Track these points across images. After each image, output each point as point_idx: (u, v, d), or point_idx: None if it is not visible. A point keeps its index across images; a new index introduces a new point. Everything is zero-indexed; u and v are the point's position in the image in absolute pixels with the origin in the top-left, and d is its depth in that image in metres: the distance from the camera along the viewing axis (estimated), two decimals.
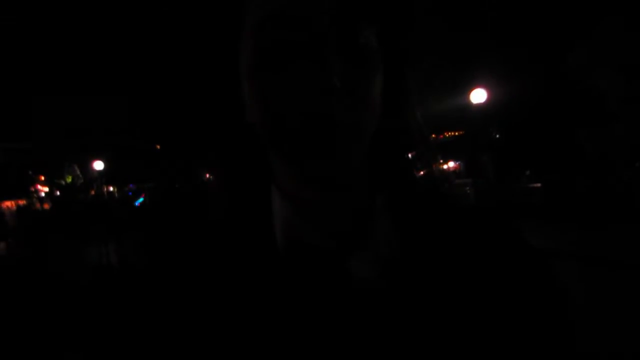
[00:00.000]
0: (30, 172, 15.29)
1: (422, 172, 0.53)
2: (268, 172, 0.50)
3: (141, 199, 13.24)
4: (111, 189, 15.13)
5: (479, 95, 10.79)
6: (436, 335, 0.41)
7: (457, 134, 12.87)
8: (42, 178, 14.66)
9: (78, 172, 13.17)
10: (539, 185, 9.71)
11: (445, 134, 12.67)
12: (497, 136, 11.52)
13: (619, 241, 4.21)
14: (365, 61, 0.43)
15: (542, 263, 0.48)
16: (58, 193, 13.51)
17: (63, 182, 12.12)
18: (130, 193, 15.38)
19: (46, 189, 13.45)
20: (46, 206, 13.94)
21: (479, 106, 10.87)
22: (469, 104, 10.91)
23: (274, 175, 0.49)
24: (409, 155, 0.52)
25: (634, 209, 4.67)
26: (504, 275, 0.46)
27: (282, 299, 0.43)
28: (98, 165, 16.41)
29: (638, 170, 5.05)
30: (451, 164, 13.01)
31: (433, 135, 0.58)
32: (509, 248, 0.48)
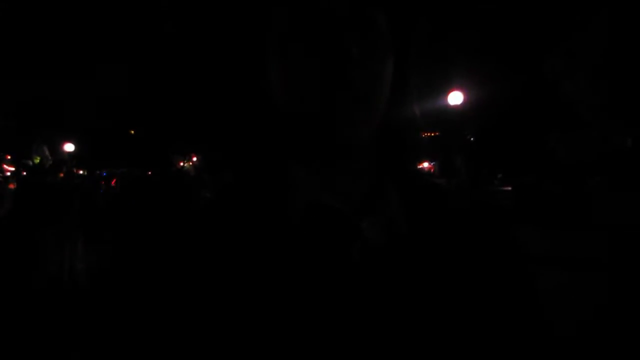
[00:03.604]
0: None
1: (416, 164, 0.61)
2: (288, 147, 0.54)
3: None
4: (81, 172, 14.75)
5: (455, 98, 10.96)
6: (428, 290, 0.48)
7: (432, 134, 13.03)
8: (9, 157, 14.18)
9: (47, 153, 12.79)
10: (509, 188, 9.94)
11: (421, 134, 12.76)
12: (472, 139, 11.73)
13: (580, 243, 4.36)
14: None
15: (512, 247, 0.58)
16: (25, 174, 13.10)
17: (30, 163, 11.75)
18: (102, 176, 15.04)
19: (12, 169, 13.03)
20: (11, 186, 13.49)
21: (456, 108, 11.04)
22: (446, 105, 11.06)
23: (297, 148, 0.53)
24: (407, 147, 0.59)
25: (588, 217, 4.83)
26: (480, 249, 0.54)
27: (299, 250, 0.49)
28: (68, 147, 15.97)
29: (599, 184, 5.20)
30: (425, 164, 13.22)
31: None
32: (488, 232, 0.57)
